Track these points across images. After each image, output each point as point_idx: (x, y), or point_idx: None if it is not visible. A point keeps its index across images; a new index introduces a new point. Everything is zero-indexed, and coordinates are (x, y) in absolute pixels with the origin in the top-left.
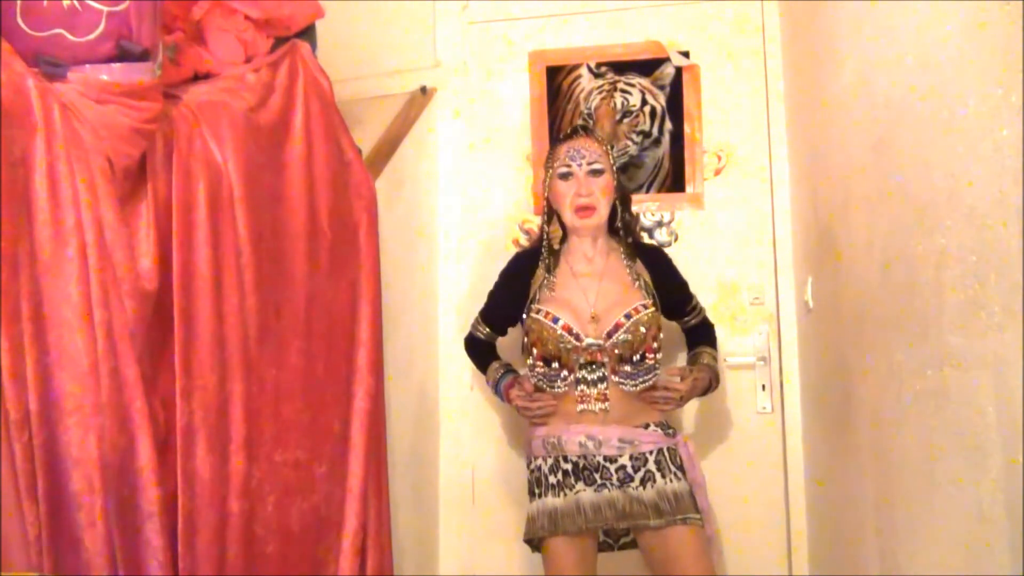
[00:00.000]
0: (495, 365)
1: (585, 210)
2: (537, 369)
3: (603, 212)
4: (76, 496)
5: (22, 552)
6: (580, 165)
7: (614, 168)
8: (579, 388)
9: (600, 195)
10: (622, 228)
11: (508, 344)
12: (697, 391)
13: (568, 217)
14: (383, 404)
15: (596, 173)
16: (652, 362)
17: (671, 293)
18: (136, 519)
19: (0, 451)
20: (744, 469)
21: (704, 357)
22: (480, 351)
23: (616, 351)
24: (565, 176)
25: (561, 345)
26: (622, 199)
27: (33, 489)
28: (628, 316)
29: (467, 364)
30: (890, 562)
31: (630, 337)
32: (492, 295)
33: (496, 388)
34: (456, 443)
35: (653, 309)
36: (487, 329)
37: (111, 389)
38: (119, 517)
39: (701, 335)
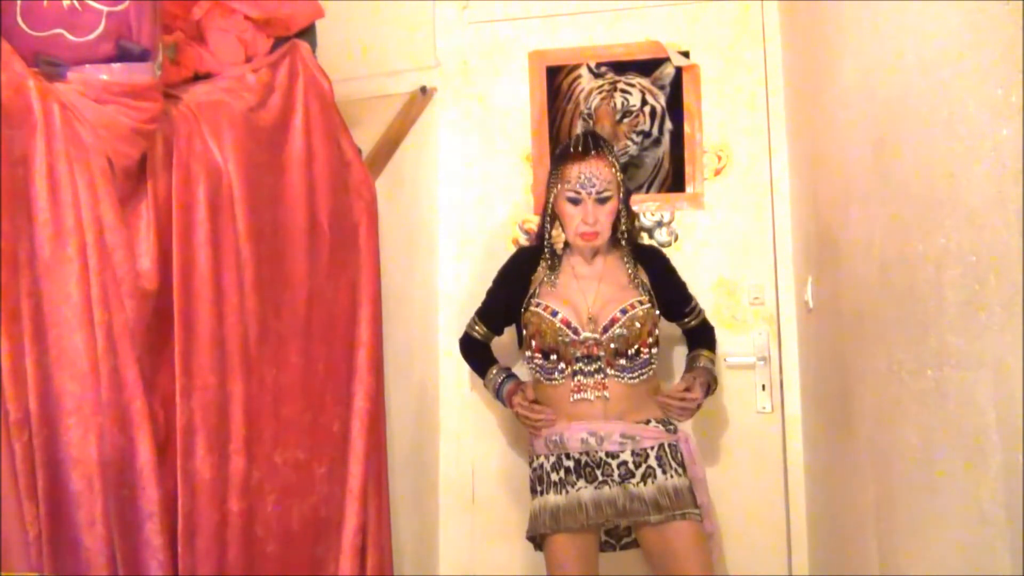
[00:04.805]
0: (494, 370)
1: (589, 235)
2: (535, 361)
3: (606, 235)
4: (76, 496)
5: (22, 552)
6: (590, 193)
7: (620, 187)
8: (576, 379)
9: (605, 220)
10: (623, 237)
11: (503, 345)
12: (702, 396)
13: (571, 237)
14: (383, 404)
15: (604, 200)
16: (647, 356)
17: (669, 293)
18: (136, 519)
19: (0, 451)
20: (744, 469)
21: (701, 360)
22: (476, 352)
23: (612, 345)
24: (574, 201)
25: (559, 338)
26: (625, 209)
27: (33, 489)
28: (624, 311)
29: (467, 364)
30: (890, 562)
31: (626, 332)
32: (491, 292)
33: (497, 393)
34: (456, 443)
35: (649, 305)
36: (484, 329)
37: (111, 389)
38: (119, 517)
39: (700, 338)
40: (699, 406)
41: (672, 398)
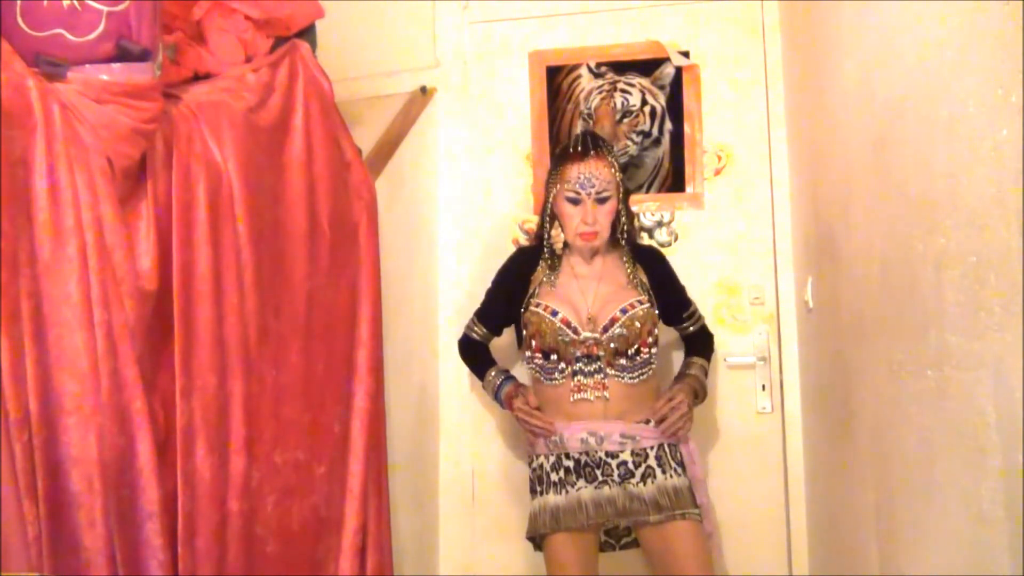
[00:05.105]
0: (493, 371)
1: (588, 235)
2: (535, 361)
3: (605, 235)
4: (76, 496)
5: (22, 552)
6: (589, 194)
7: (620, 187)
8: (576, 379)
9: (604, 221)
10: (623, 237)
11: (502, 348)
12: (689, 399)
13: (571, 237)
14: (383, 404)
15: (603, 201)
16: (647, 356)
17: (668, 295)
18: (136, 519)
19: (0, 451)
20: (744, 469)
21: (693, 368)
22: (475, 353)
23: (612, 345)
24: (573, 201)
25: (559, 338)
26: (624, 209)
27: (33, 489)
28: (624, 311)
29: (465, 365)
30: (890, 562)
31: (625, 332)
32: (490, 293)
33: (496, 394)
34: (456, 443)
35: (649, 305)
36: (483, 329)
37: (111, 389)
38: (119, 517)
39: (697, 345)
40: (690, 407)
41: (663, 415)
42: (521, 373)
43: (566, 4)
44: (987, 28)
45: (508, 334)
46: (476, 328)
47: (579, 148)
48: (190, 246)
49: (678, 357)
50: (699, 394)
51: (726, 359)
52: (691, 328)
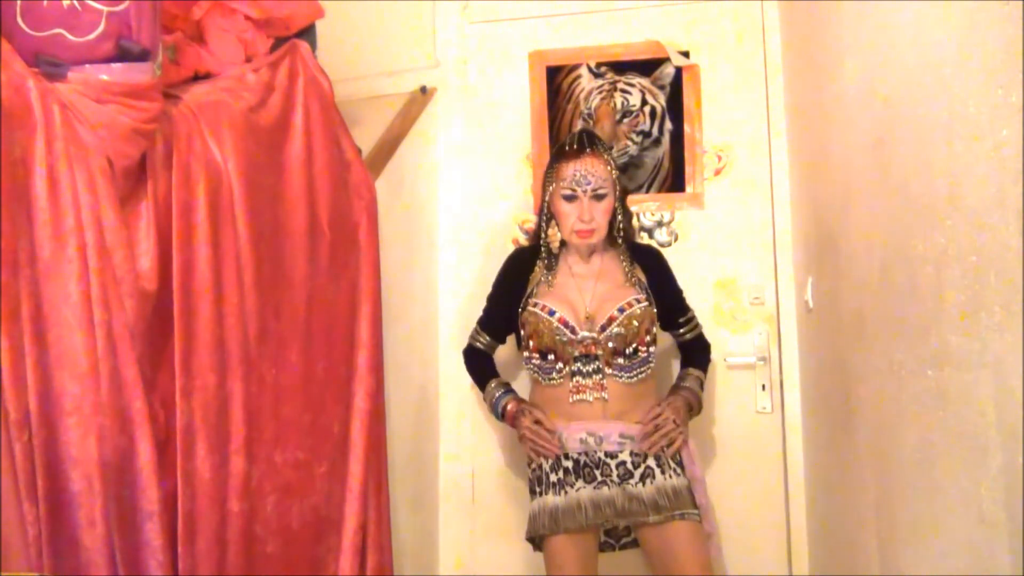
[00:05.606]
0: (493, 384)
1: (585, 232)
2: (533, 362)
3: (602, 232)
4: (76, 496)
5: (22, 552)
6: (585, 191)
7: (616, 184)
8: (574, 380)
9: (601, 218)
10: (620, 236)
11: (505, 355)
12: (681, 413)
13: (568, 235)
14: (383, 404)
15: (599, 198)
16: (645, 355)
17: (665, 297)
18: (136, 519)
19: (0, 451)
20: (744, 469)
21: (687, 380)
22: (479, 363)
23: (610, 344)
24: (570, 199)
25: (557, 337)
26: (621, 208)
27: (33, 489)
28: (621, 310)
29: (469, 376)
30: (890, 562)
31: (623, 330)
32: (491, 298)
33: (494, 406)
34: (456, 443)
35: (647, 303)
36: (486, 338)
37: (111, 389)
38: (119, 517)
39: (693, 355)
40: (676, 423)
41: (655, 430)
42: (522, 387)
43: (566, 4)
44: (987, 28)
45: (511, 342)
46: (480, 337)
47: (575, 146)
48: (190, 246)
49: (677, 362)
50: (693, 407)
51: (726, 359)
52: (687, 335)
